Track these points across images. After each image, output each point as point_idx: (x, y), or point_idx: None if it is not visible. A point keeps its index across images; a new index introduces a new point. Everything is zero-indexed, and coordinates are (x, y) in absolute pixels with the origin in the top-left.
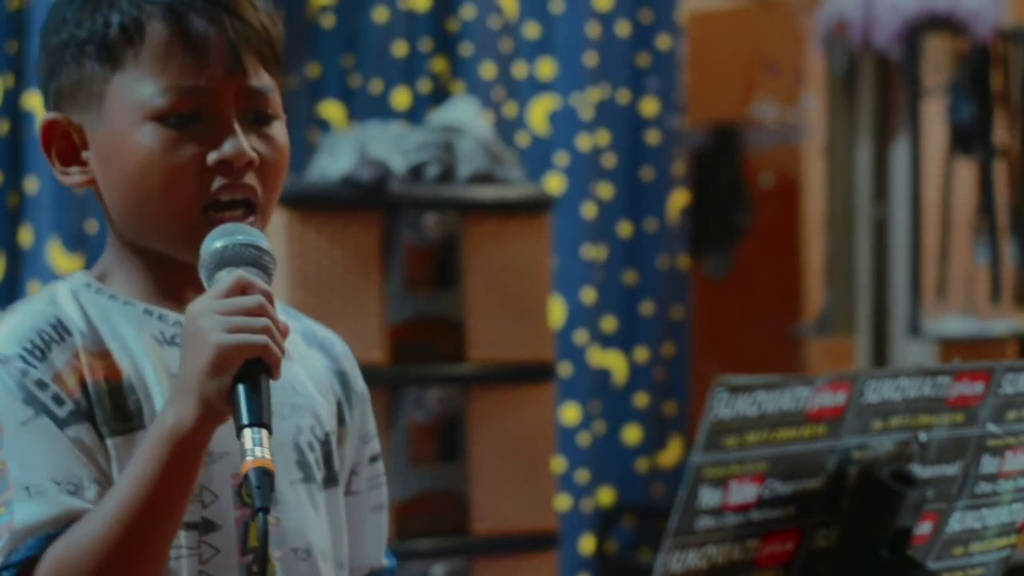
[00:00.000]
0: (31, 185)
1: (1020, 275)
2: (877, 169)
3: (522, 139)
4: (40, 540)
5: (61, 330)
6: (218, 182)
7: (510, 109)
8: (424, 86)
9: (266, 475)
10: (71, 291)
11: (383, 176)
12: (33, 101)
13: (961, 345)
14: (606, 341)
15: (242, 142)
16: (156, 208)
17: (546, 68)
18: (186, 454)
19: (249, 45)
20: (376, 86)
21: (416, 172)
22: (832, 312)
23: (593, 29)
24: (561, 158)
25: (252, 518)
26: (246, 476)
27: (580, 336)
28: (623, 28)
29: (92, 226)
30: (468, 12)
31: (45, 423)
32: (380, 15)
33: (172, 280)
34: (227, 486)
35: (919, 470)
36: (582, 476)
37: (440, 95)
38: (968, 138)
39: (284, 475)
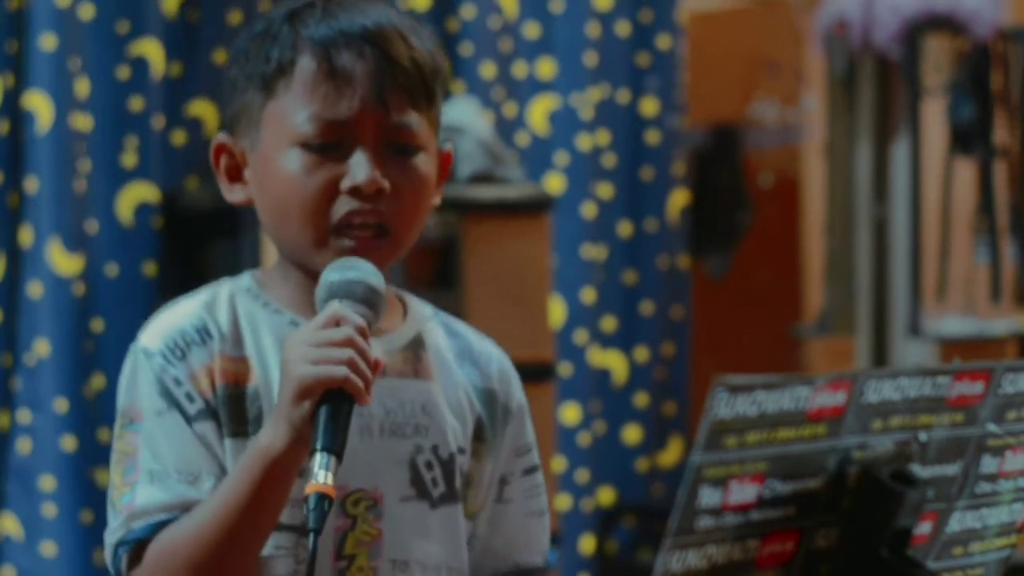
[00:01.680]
0: (31, 185)
1: (1020, 275)
2: (877, 169)
3: (522, 139)
4: (154, 524)
5: (203, 333)
6: (349, 206)
7: (510, 109)
8: None
9: (323, 499)
10: (230, 294)
11: None
12: (33, 101)
13: (961, 345)
14: (606, 341)
15: (373, 170)
16: (294, 226)
17: (546, 68)
18: (276, 472)
19: (395, 81)
20: None
21: None
22: (832, 312)
23: (593, 29)
24: (561, 158)
25: (351, 528)
26: (306, 498)
27: (580, 336)
28: (623, 28)
29: (92, 226)
30: (468, 12)
31: (176, 417)
32: None
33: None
34: None
35: (919, 470)
36: (582, 476)
37: None
38: (968, 138)
39: (395, 491)
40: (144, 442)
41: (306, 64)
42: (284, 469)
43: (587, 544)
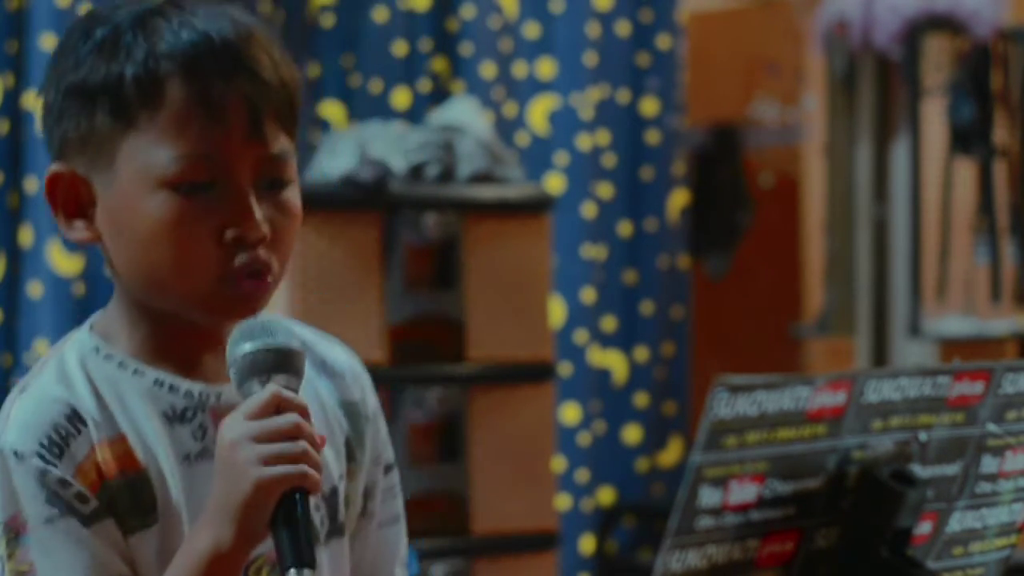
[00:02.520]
0: (31, 185)
1: (1020, 275)
2: (877, 169)
3: (522, 139)
4: None
5: (77, 421)
6: (235, 259)
7: (510, 109)
8: (424, 86)
9: None
10: (79, 359)
11: (383, 176)
12: (33, 101)
13: (961, 345)
14: (606, 341)
15: (257, 216)
16: (169, 277)
17: (546, 68)
18: (229, 570)
19: (269, 107)
20: (376, 86)
21: (416, 172)
22: (832, 312)
23: (593, 29)
24: (561, 158)
25: None
26: None
27: (580, 336)
28: (623, 28)
29: None
30: (468, 12)
31: (71, 523)
32: (380, 15)
33: (186, 343)
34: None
35: (919, 470)
36: (582, 476)
37: (440, 95)
38: (968, 138)
39: None
40: (40, 555)
41: (175, 94)
42: (234, 567)
43: (587, 544)
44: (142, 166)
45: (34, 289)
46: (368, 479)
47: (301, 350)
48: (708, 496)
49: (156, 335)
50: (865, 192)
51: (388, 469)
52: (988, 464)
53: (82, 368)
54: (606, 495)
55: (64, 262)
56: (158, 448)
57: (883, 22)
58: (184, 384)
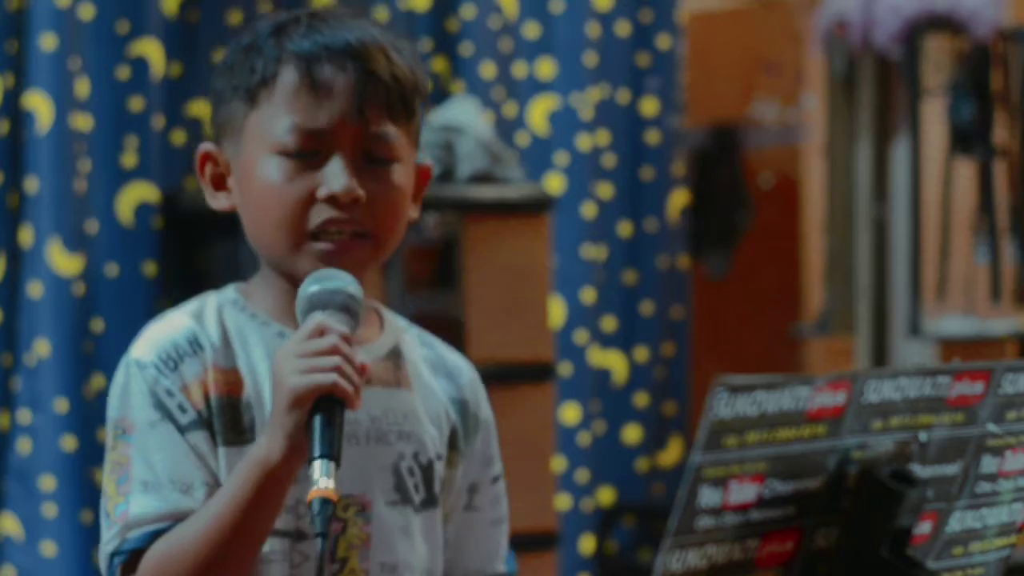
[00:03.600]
0: (31, 185)
1: (1020, 275)
2: (877, 169)
3: (522, 139)
4: (148, 534)
5: (195, 345)
6: (325, 213)
7: (510, 109)
8: None
9: (327, 504)
10: (217, 306)
11: None
12: (33, 101)
13: (961, 345)
14: (606, 341)
15: (349, 179)
16: (272, 232)
17: (546, 68)
18: (273, 481)
19: (375, 93)
20: None
21: None
22: (832, 312)
23: (593, 29)
24: (561, 158)
25: (343, 532)
26: (310, 503)
27: (580, 336)
28: (623, 28)
29: (92, 226)
30: (468, 12)
31: (168, 428)
32: (380, 15)
33: None
34: None
35: (919, 470)
36: (582, 476)
37: (440, 95)
38: (968, 138)
39: (381, 496)
40: (137, 453)
41: (288, 76)
42: (280, 479)
43: (587, 544)
44: (260, 137)
45: (34, 289)
46: (475, 477)
47: (357, 294)
48: (708, 496)
49: (283, 295)
50: (865, 192)
51: (495, 480)
52: (988, 464)
53: (218, 312)
54: (606, 495)
55: (64, 262)
56: (265, 383)
57: (883, 22)
58: None
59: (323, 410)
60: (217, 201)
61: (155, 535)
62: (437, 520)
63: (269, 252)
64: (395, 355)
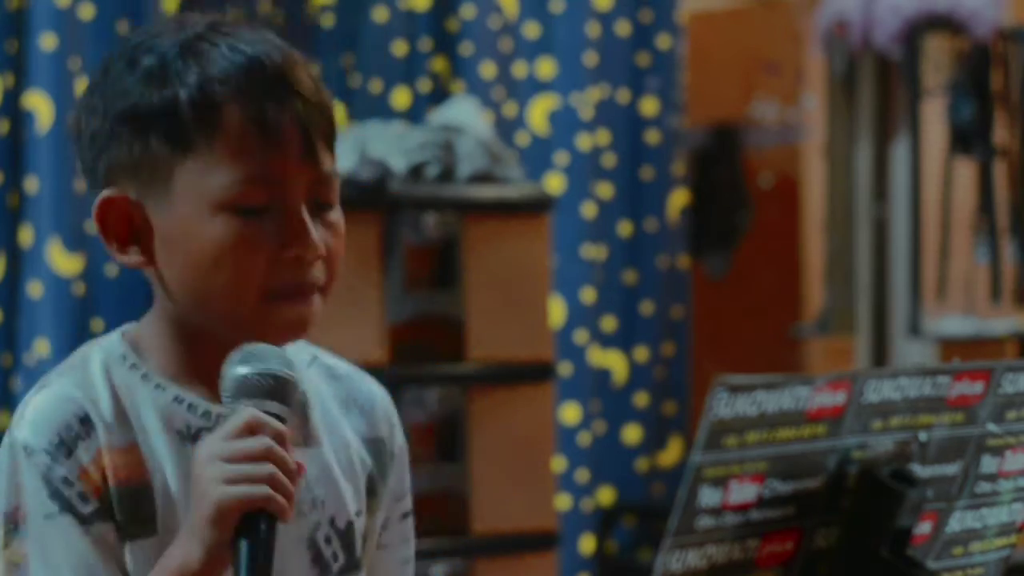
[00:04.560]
0: (31, 185)
1: (1020, 275)
2: (877, 169)
3: (522, 139)
4: None
5: (88, 424)
6: (290, 273)
7: (510, 109)
8: (424, 86)
9: None
10: (104, 365)
11: (383, 176)
12: (33, 101)
13: (961, 345)
14: (606, 341)
15: (314, 235)
16: (223, 297)
17: (546, 68)
18: None
19: (317, 129)
20: (376, 86)
21: (416, 172)
22: (832, 312)
23: (593, 29)
24: (561, 158)
25: None
26: None
27: (580, 336)
28: (623, 28)
29: (92, 226)
30: (468, 12)
31: (68, 521)
32: (380, 15)
33: (216, 364)
34: None
35: (919, 470)
36: (582, 476)
37: (440, 95)
38: (968, 138)
39: (299, 573)
40: (35, 549)
41: (232, 117)
42: None
43: (587, 544)
44: (200, 190)
45: (34, 289)
46: (386, 513)
47: (293, 380)
48: (708, 496)
49: (187, 354)
50: (865, 192)
51: (404, 516)
52: (988, 464)
53: (105, 373)
54: (606, 495)
55: (64, 262)
56: (166, 463)
57: (883, 22)
58: (203, 404)
59: (250, 529)
60: (129, 257)
61: None
62: None
63: (207, 316)
64: (302, 407)
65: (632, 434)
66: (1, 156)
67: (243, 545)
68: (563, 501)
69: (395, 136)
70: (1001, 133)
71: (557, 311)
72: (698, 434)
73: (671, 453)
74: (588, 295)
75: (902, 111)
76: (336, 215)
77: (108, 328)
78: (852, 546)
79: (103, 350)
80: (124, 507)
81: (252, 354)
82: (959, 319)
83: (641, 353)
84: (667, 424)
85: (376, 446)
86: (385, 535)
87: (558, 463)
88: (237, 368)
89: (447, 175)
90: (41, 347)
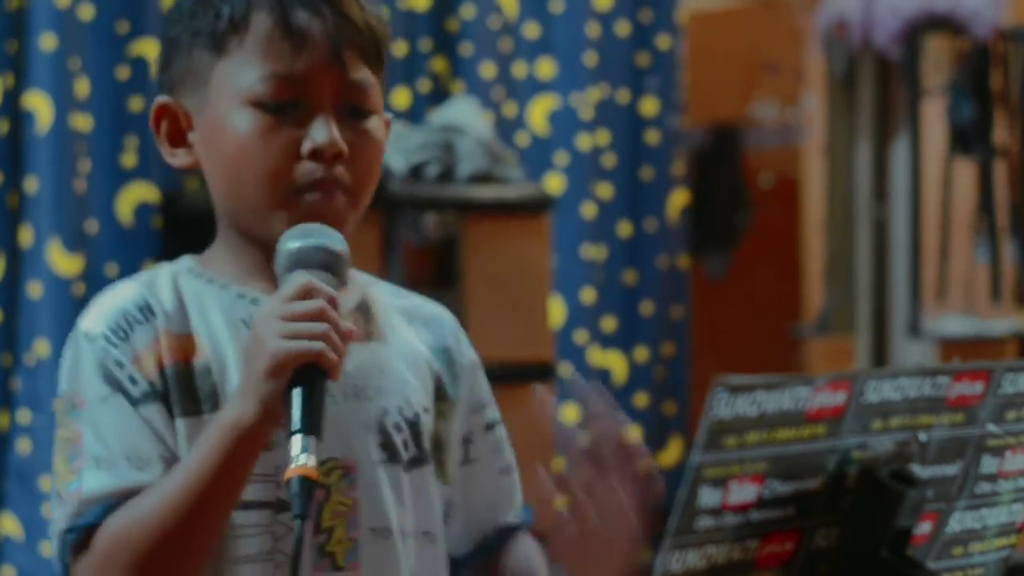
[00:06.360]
0: (31, 185)
1: (1020, 275)
2: (877, 169)
3: (522, 139)
4: (103, 509)
5: (147, 312)
6: (309, 168)
7: (510, 109)
8: (424, 86)
9: (307, 482)
10: (171, 274)
11: (383, 176)
12: (33, 101)
13: (961, 345)
14: (606, 341)
15: (333, 132)
16: (251, 189)
17: (546, 68)
18: (244, 448)
19: (350, 39)
20: None
21: (416, 172)
22: (832, 312)
23: (593, 29)
24: (561, 158)
25: (326, 500)
26: (288, 482)
27: (580, 336)
28: (623, 28)
29: (92, 226)
30: (468, 12)
31: (120, 401)
32: None
33: (269, 262)
34: None
35: (919, 470)
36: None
37: (440, 95)
38: (968, 138)
39: (367, 457)
40: (88, 428)
41: (261, 21)
42: (253, 444)
43: None
44: (231, 86)
45: (34, 289)
46: (466, 427)
47: (344, 253)
48: (708, 496)
49: (246, 256)
50: (865, 192)
51: (490, 426)
52: (988, 464)
53: (171, 279)
54: None
55: (64, 262)
56: (227, 347)
57: (883, 22)
58: (266, 299)
59: (304, 380)
60: (176, 158)
61: (110, 511)
62: (428, 478)
63: (241, 210)
64: (363, 308)
65: (632, 434)
66: (1, 156)
67: (296, 391)
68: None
69: (395, 136)
70: (1001, 133)
71: (557, 311)
72: (698, 434)
73: (671, 453)
74: (588, 295)
75: (902, 111)
76: (371, 123)
77: None
78: (852, 546)
79: (171, 265)
80: (180, 385)
81: (305, 230)
82: (959, 319)
83: (641, 353)
84: (667, 424)
85: (444, 354)
86: (473, 449)
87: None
88: (291, 242)
89: (447, 175)
90: (41, 347)
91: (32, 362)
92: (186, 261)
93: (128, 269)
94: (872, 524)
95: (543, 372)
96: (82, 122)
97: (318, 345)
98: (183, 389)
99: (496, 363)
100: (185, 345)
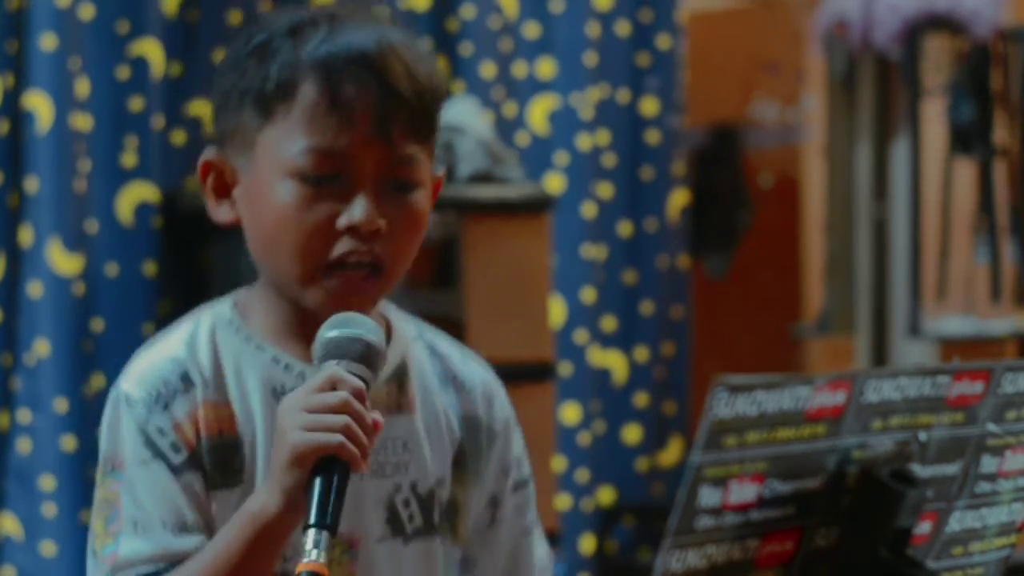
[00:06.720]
0: (31, 185)
1: (1020, 275)
2: (877, 169)
3: (522, 139)
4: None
5: (186, 381)
6: (345, 244)
7: (510, 109)
8: None
9: None
10: (211, 328)
11: None
12: (33, 101)
13: (961, 345)
14: (606, 341)
15: (371, 209)
16: (286, 260)
17: (546, 68)
18: (268, 537)
19: (397, 113)
20: None
21: None
22: (832, 312)
23: (593, 29)
24: (561, 158)
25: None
26: (298, 575)
27: (580, 336)
28: (623, 28)
29: (92, 226)
30: (468, 12)
31: (161, 467)
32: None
33: (305, 322)
34: None
35: (919, 470)
36: (582, 476)
37: None
38: (968, 138)
39: (371, 532)
40: (127, 491)
41: (307, 92)
42: (276, 535)
43: (587, 544)
44: (275, 155)
45: (34, 289)
46: (494, 489)
47: (378, 345)
48: (708, 496)
49: (285, 317)
50: (865, 192)
51: (518, 487)
52: (988, 464)
53: (211, 336)
54: (606, 495)
55: (64, 262)
56: (258, 419)
57: (883, 22)
58: (298, 366)
59: (324, 472)
60: (219, 213)
61: None
62: (435, 548)
63: (276, 276)
64: (400, 375)
65: (632, 434)
66: (1, 156)
67: (317, 482)
68: (563, 501)
69: None
70: (1001, 133)
71: (557, 311)
72: (698, 434)
73: (671, 453)
74: (588, 295)
75: (902, 111)
76: (415, 196)
77: (108, 328)
78: (852, 546)
79: (213, 314)
80: (214, 458)
81: (344, 320)
82: (959, 319)
83: (641, 353)
84: (667, 424)
85: (470, 423)
86: (499, 511)
87: (558, 463)
88: (328, 332)
89: (447, 175)
90: (41, 347)
91: (32, 362)
92: (227, 310)
93: (128, 269)
94: (872, 524)
95: (543, 372)
96: (82, 122)
97: (337, 438)
98: (217, 462)
99: (496, 363)
100: (221, 415)
